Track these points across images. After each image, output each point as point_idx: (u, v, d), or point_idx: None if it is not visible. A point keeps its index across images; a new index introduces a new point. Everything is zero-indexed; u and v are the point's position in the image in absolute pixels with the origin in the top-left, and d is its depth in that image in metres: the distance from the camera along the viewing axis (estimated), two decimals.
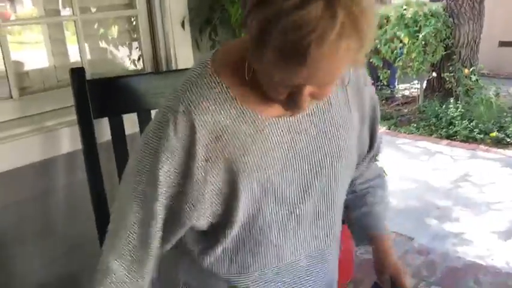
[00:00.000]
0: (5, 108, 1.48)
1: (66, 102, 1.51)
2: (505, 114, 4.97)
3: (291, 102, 0.75)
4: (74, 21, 1.63)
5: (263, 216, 0.88)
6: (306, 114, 0.88)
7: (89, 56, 1.73)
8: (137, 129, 1.44)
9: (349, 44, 0.64)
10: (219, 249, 0.92)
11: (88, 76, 1.35)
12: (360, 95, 0.97)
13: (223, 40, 1.88)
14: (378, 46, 5.54)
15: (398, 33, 5.40)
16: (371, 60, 5.53)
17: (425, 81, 5.99)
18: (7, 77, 1.49)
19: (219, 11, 1.85)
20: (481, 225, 2.95)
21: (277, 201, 0.88)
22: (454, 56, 5.58)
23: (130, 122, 1.43)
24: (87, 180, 1.35)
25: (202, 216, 0.88)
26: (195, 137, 0.81)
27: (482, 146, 4.43)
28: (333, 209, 0.96)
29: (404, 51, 5.40)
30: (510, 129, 4.64)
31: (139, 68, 1.87)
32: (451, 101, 5.21)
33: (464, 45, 5.58)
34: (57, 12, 1.94)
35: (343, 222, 1.08)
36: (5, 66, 1.49)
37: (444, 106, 5.22)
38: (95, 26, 1.88)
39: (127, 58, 1.92)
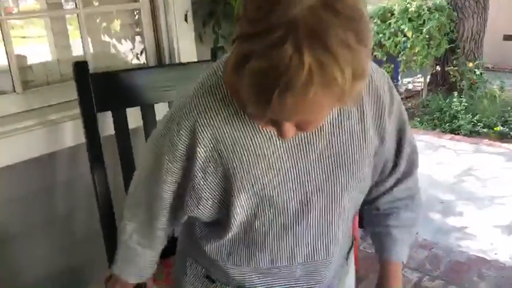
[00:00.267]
0: (9, 102, 1.48)
1: (69, 96, 1.51)
2: (509, 108, 4.94)
3: (274, 129, 0.74)
4: (77, 15, 1.63)
5: (261, 223, 0.89)
6: (311, 134, 0.84)
7: (92, 50, 1.73)
8: (140, 123, 1.45)
9: (318, 90, 0.60)
10: (218, 242, 0.95)
11: (91, 70, 1.35)
12: (381, 124, 0.90)
13: (227, 33, 1.87)
14: (382, 40, 5.52)
15: (402, 27, 5.38)
16: (375, 54, 5.50)
17: (429, 75, 5.97)
18: (10, 71, 1.49)
19: (222, 4, 1.84)
20: (484, 220, 2.95)
21: (274, 212, 0.88)
22: (458, 50, 5.56)
23: (134, 116, 1.43)
24: (91, 173, 1.35)
25: (201, 217, 0.92)
26: (196, 142, 0.82)
27: (486, 140, 4.41)
28: (336, 224, 0.93)
29: (408, 45, 5.37)
30: None
31: (143, 62, 1.86)
32: (455, 95, 5.18)
33: (468, 39, 5.56)
34: (60, 6, 1.93)
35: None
36: (8, 60, 1.49)
37: (448, 100, 5.20)
38: (98, 20, 1.87)
39: (130, 51, 1.92)
